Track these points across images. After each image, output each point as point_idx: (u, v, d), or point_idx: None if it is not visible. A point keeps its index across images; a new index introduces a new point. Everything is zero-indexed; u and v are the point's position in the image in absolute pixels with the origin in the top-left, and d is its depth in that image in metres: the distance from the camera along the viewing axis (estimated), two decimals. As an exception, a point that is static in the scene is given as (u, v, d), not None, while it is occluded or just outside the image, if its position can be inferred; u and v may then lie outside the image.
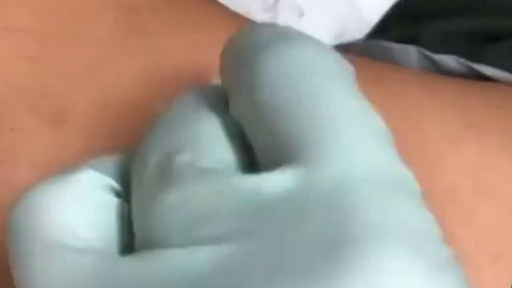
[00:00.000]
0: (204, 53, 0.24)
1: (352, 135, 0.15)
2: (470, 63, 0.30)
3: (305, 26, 0.51)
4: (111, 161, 0.17)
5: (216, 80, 0.20)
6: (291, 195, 0.14)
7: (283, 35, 0.17)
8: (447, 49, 0.32)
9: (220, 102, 0.18)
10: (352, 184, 0.14)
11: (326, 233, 0.13)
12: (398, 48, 0.33)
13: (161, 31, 0.24)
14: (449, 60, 0.31)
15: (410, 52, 0.33)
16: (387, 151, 0.16)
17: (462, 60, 0.30)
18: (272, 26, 0.18)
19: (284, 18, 0.51)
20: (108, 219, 0.16)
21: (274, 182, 0.15)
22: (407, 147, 0.23)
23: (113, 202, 0.17)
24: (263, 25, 0.19)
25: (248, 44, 0.18)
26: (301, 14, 0.49)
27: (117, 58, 0.23)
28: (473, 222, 0.23)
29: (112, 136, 0.22)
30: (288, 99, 0.16)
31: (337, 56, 0.17)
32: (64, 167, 0.17)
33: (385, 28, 0.45)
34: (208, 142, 0.16)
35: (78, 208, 0.16)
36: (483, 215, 0.23)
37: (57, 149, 0.22)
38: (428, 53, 0.31)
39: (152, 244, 0.15)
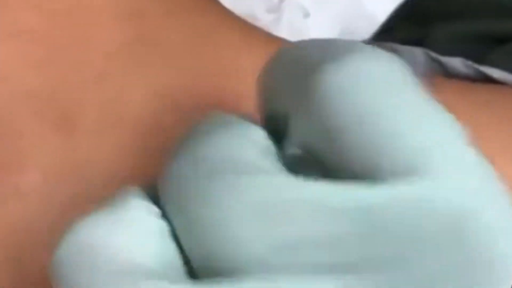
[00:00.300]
0: (213, 62, 0.24)
1: (450, 140, 0.15)
2: (476, 65, 0.30)
3: (310, 26, 0.51)
4: (143, 187, 0.17)
5: None
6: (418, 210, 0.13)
7: (335, 49, 0.16)
8: (454, 51, 0.32)
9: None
10: (474, 198, 0.14)
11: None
12: (405, 50, 0.33)
13: (170, 39, 0.24)
14: (456, 62, 0.31)
15: (417, 54, 0.32)
16: (479, 153, 0.15)
17: (469, 62, 0.30)
18: (315, 41, 0.17)
19: (289, 19, 0.50)
20: (168, 245, 0.16)
21: (399, 193, 0.14)
22: None
23: (165, 227, 0.16)
24: (306, 42, 0.18)
25: (299, 63, 0.17)
26: (306, 15, 0.49)
27: (125, 65, 0.23)
28: None
29: (119, 141, 0.22)
30: (364, 113, 0.15)
31: (396, 59, 0.16)
32: (105, 198, 0.16)
33: (391, 29, 0.45)
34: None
35: (140, 238, 0.15)
36: None
37: (65, 154, 0.22)
38: (434, 55, 0.31)
39: (223, 271, 0.14)
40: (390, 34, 0.43)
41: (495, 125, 0.25)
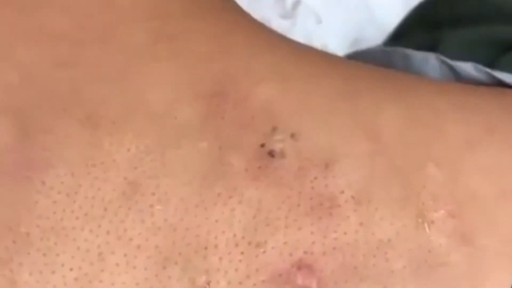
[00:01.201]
0: (231, 60, 0.24)
1: None
2: (489, 70, 0.30)
3: (322, 33, 0.51)
4: None
5: None
6: None
7: None
8: (466, 56, 0.33)
9: None
10: None
11: None
12: (418, 56, 0.33)
13: (191, 38, 0.24)
14: (468, 67, 0.31)
15: (430, 59, 0.33)
16: None
17: (481, 67, 0.31)
18: None
19: (302, 25, 0.51)
20: None
21: None
22: (429, 151, 0.24)
23: None
24: None
25: None
26: (319, 21, 0.49)
27: (148, 64, 0.23)
28: (496, 226, 0.23)
29: (142, 138, 0.23)
30: None
31: None
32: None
33: (402, 35, 0.45)
34: None
35: None
36: (506, 219, 0.23)
37: (91, 150, 0.22)
38: (447, 60, 0.32)
39: None
40: (401, 40, 0.44)
41: None
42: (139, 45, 0.24)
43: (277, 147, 0.23)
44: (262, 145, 0.23)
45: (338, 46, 0.48)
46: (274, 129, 0.24)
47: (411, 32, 0.45)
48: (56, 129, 0.22)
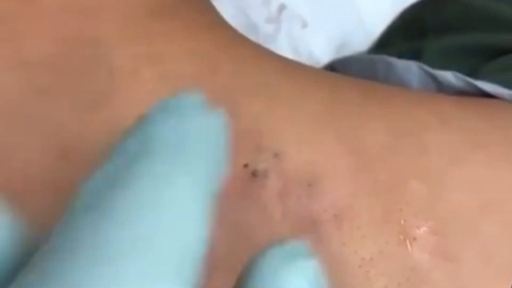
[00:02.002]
0: (217, 81, 0.24)
1: None
2: (468, 79, 0.30)
3: (308, 38, 0.51)
4: None
5: None
6: None
7: None
8: (448, 65, 0.32)
9: None
10: None
11: None
12: (401, 64, 0.33)
13: (176, 60, 0.24)
14: (449, 76, 0.31)
15: (412, 68, 0.33)
16: None
17: (461, 76, 0.31)
18: None
19: (287, 30, 0.51)
20: None
21: None
22: (412, 166, 0.24)
23: None
24: None
25: None
26: (304, 25, 0.49)
27: (132, 89, 0.23)
28: (479, 242, 0.23)
29: None
30: None
31: None
32: None
33: (387, 42, 0.45)
34: None
35: None
36: (489, 235, 0.23)
37: (62, 184, 0.22)
38: (428, 69, 0.32)
39: None
40: (386, 47, 0.44)
41: (494, 139, 0.25)
42: (123, 70, 0.23)
43: (261, 166, 0.23)
44: (246, 165, 0.23)
45: (324, 51, 0.48)
46: (258, 149, 0.23)
47: (396, 39, 0.45)
48: (33, 160, 0.22)
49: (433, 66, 0.32)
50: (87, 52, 0.23)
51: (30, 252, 0.14)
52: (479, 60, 0.37)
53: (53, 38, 0.23)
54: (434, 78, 0.32)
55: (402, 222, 0.23)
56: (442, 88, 0.31)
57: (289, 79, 0.25)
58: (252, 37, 0.27)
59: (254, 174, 0.23)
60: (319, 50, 0.43)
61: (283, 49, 0.45)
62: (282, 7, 0.50)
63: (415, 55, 0.37)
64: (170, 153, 0.15)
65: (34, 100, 0.22)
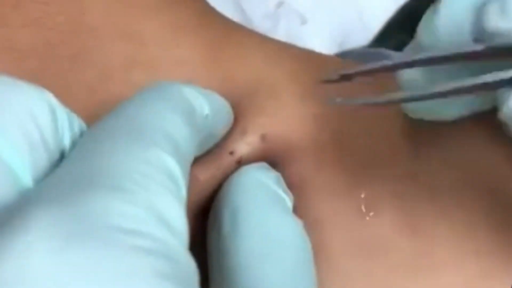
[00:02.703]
0: (217, 72, 0.25)
1: None
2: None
3: (307, 34, 0.50)
4: None
5: None
6: None
7: None
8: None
9: None
10: None
11: None
12: (394, 55, 0.33)
13: (167, 65, 0.24)
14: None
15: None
16: None
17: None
18: None
19: (286, 26, 0.50)
20: None
21: None
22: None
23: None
24: None
25: None
26: (303, 22, 0.48)
27: (119, 85, 0.23)
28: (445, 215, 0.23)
29: None
30: None
31: None
32: None
33: (387, 36, 0.45)
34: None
35: None
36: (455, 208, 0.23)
37: None
38: (424, 60, 0.31)
39: None
40: (386, 40, 0.43)
41: None
42: (112, 67, 0.23)
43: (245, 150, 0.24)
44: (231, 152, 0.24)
45: (324, 48, 0.47)
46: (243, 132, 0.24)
47: (394, 32, 0.44)
48: None
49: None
50: (74, 45, 0.23)
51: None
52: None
53: (44, 27, 0.23)
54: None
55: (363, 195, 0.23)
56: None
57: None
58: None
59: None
60: (319, 47, 0.43)
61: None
62: (280, 3, 0.50)
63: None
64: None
65: None
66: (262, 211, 0.21)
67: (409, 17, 0.44)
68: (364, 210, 0.23)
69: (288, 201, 0.23)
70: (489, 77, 0.16)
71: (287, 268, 0.20)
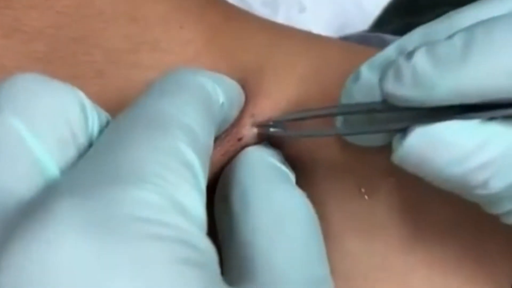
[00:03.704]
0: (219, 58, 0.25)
1: None
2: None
3: (307, 21, 0.50)
4: None
5: None
6: None
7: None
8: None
9: None
10: None
11: None
12: (393, 39, 0.33)
13: (170, 48, 0.24)
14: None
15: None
16: None
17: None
18: None
19: (284, 13, 0.50)
20: None
21: None
22: None
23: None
24: None
25: None
26: (302, 9, 0.49)
27: (125, 67, 0.24)
28: None
29: None
30: None
31: None
32: None
33: (386, 21, 0.45)
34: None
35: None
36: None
37: None
38: (422, 43, 0.31)
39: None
40: (384, 26, 0.43)
41: None
42: (118, 49, 0.24)
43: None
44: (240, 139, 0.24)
45: (322, 34, 0.47)
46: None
47: (392, 18, 0.44)
48: None
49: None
50: (80, 27, 0.23)
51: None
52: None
53: (52, 9, 0.23)
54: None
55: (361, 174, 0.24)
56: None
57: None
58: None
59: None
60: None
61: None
62: (279, -10, 0.50)
63: (410, 31, 0.36)
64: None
65: (28, 67, 0.23)
66: (269, 187, 0.22)
67: (407, 2, 0.44)
68: (362, 190, 0.24)
69: (291, 175, 0.23)
70: (392, 126, 0.20)
71: (298, 240, 0.21)
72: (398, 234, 0.23)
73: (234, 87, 0.23)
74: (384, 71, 0.19)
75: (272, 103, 0.25)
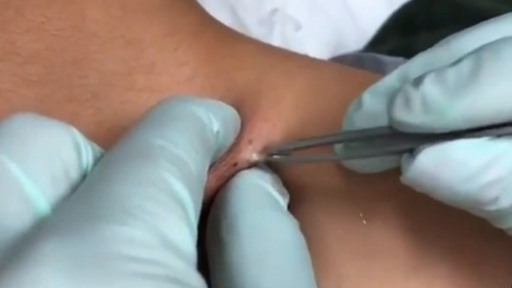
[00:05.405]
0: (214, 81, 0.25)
1: None
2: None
3: (302, 40, 0.50)
4: None
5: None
6: None
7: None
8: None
9: None
10: None
11: None
12: (389, 60, 0.33)
13: (165, 69, 0.25)
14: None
15: (400, 64, 0.33)
16: None
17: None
18: None
19: (280, 32, 0.50)
20: None
21: None
22: None
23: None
24: None
25: None
26: (298, 28, 0.48)
27: (120, 89, 0.24)
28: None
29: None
30: None
31: None
32: None
33: (381, 40, 0.45)
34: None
35: None
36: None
37: None
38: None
39: None
40: (380, 45, 0.43)
41: None
42: (112, 72, 0.24)
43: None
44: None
45: (319, 54, 0.47)
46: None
47: (388, 37, 0.45)
48: None
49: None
50: (75, 50, 0.23)
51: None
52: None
53: (47, 32, 0.23)
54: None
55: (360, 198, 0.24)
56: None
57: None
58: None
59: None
60: (314, 53, 0.43)
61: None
62: (274, 10, 0.50)
63: (405, 52, 0.36)
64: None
65: (23, 90, 0.23)
66: (257, 213, 0.22)
67: (403, 22, 0.45)
68: (361, 214, 0.24)
69: (282, 201, 0.23)
70: (397, 147, 0.20)
71: (285, 267, 0.21)
72: (396, 259, 0.23)
73: (230, 113, 0.23)
74: (391, 98, 0.19)
75: (269, 126, 0.25)
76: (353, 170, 0.23)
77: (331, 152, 0.23)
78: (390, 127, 0.20)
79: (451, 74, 0.18)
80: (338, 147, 0.23)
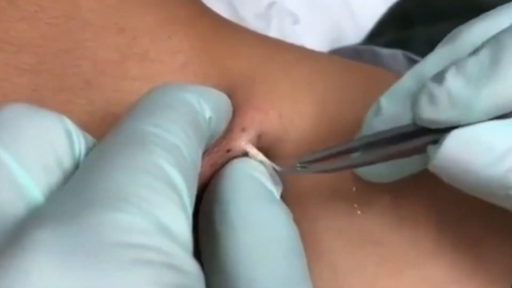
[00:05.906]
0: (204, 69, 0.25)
1: None
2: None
3: (300, 33, 0.50)
4: None
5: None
6: None
7: None
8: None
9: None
10: None
11: None
12: (386, 53, 0.33)
13: (159, 58, 0.24)
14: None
15: (398, 57, 0.33)
16: None
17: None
18: None
19: (278, 26, 0.50)
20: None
21: None
22: None
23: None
24: None
25: None
26: (295, 22, 0.48)
27: (113, 77, 0.24)
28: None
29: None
30: None
31: None
32: None
33: (379, 33, 0.45)
34: None
35: None
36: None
37: None
38: (413, 56, 0.31)
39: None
40: (378, 38, 0.44)
41: None
42: (105, 60, 0.24)
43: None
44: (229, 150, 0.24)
45: (316, 46, 0.47)
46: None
47: (384, 31, 0.45)
48: None
49: (422, 55, 0.32)
50: (68, 38, 0.23)
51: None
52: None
53: (40, 21, 0.23)
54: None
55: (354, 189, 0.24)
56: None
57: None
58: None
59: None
60: (311, 46, 0.43)
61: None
62: (272, 3, 0.50)
63: (402, 45, 0.36)
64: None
65: (16, 79, 0.23)
66: (252, 205, 0.22)
67: (399, 15, 0.45)
68: (356, 205, 0.24)
69: (275, 191, 0.23)
70: (417, 141, 0.20)
71: (281, 259, 0.21)
72: (391, 250, 0.23)
73: (222, 99, 0.23)
74: (414, 98, 0.20)
75: (262, 115, 0.25)
76: (368, 179, 0.23)
77: (347, 159, 0.22)
78: (414, 124, 0.20)
79: (472, 65, 0.19)
80: (355, 155, 0.23)
